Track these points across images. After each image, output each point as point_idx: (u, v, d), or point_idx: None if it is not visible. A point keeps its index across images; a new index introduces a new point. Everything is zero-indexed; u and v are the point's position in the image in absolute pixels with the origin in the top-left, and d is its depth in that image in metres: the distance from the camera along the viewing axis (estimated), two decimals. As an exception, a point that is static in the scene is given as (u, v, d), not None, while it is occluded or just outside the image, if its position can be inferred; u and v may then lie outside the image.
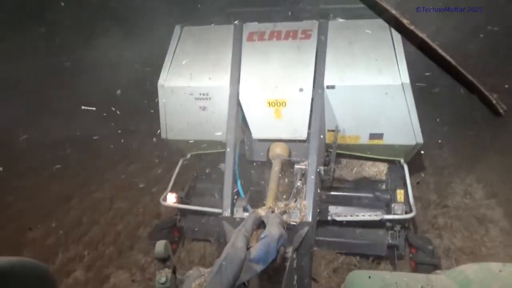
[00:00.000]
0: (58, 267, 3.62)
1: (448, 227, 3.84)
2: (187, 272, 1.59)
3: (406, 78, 2.99)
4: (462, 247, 3.61)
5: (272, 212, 2.50)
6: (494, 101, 0.52)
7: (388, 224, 3.35)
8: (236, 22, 3.58)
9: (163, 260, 1.49)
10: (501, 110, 0.54)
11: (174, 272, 1.49)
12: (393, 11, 0.47)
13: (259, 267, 1.71)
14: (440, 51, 0.49)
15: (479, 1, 4.36)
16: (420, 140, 3.22)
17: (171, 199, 3.63)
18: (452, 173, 4.60)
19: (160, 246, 1.48)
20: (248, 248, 1.81)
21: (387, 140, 3.32)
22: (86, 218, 4.29)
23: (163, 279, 1.42)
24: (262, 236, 1.92)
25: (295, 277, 2.57)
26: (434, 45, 0.49)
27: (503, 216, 3.78)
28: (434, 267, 3.23)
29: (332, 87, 3.12)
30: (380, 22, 3.33)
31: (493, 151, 4.51)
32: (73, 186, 4.72)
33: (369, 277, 1.32)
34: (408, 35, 0.50)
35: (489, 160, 4.47)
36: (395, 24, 0.48)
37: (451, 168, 4.65)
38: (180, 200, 3.68)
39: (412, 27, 0.48)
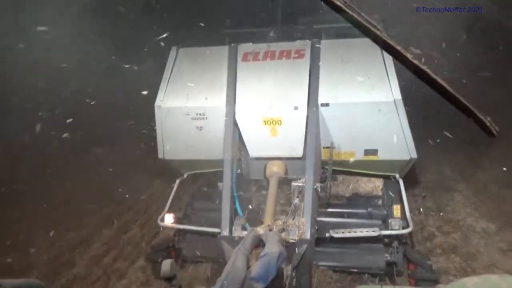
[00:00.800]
0: (117, 228, 4.58)
1: (420, 195, 4.63)
2: None
3: (398, 95, 3.06)
4: (430, 207, 4.45)
5: (271, 230, 2.51)
6: (488, 124, 0.56)
7: (386, 240, 3.35)
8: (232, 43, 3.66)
9: (169, 279, 1.49)
10: (494, 132, 0.57)
11: (179, 292, 1.50)
12: (398, 47, 0.50)
13: (259, 286, 1.71)
14: (439, 80, 0.52)
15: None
16: (414, 155, 3.27)
17: (168, 219, 3.60)
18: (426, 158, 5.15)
19: (166, 265, 1.49)
20: (248, 267, 1.81)
21: (381, 155, 3.36)
22: (129, 198, 5.07)
23: (168, 300, 1.42)
24: (262, 254, 1.92)
25: None
26: (432, 74, 0.53)
27: (466, 187, 4.62)
28: (433, 283, 3.23)
29: (326, 104, 3.18)
30: (370, 40, 3.46)
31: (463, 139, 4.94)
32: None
33: (381, 286, 1.34)
34: (411, 68, 0.53)
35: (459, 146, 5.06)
36: (403, 61, 0.52)
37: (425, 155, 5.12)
38: (178, 220, 3.66)
39: (415, 62, 0.51)
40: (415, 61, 0.51)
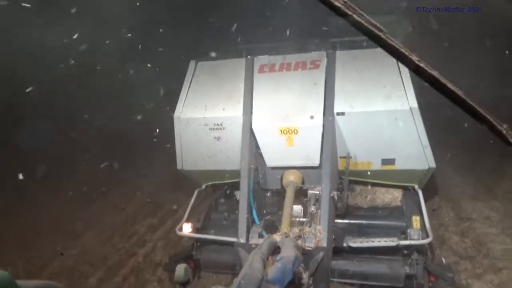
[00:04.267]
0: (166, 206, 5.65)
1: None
2: None
3: (414, 103, 3.04)
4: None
5: (287, 237, 2.52)
6: (504, 132, 0.56)
7: (405, 251, 3.29)
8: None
9: (183, 284, 1.52)
10: (511, 140, 0.57)
11: (195, 296, 1.52)
12: (402, 49, 0.53)
13: None
14: (449, 85, 0.54)
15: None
16: (432, 164, 3.23)
17: (186, 229, 3.64)
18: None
19: (180, 269, 1.51)
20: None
21: (399, 165, 3.33)
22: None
23: (184, 303, 1.45)
24: (278, 258, 1.94)
25: None
26: (444, 80, 0.54)
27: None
28: None
29: (342, 113, 3.19)
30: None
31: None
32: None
33: None
34: (418, 72, 0.56)
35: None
36: (407, 63, 0.54)
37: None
38: (196, 230, 3.69)
39: (422, 64, 0.54)
40: (422, 64, 0.54)
